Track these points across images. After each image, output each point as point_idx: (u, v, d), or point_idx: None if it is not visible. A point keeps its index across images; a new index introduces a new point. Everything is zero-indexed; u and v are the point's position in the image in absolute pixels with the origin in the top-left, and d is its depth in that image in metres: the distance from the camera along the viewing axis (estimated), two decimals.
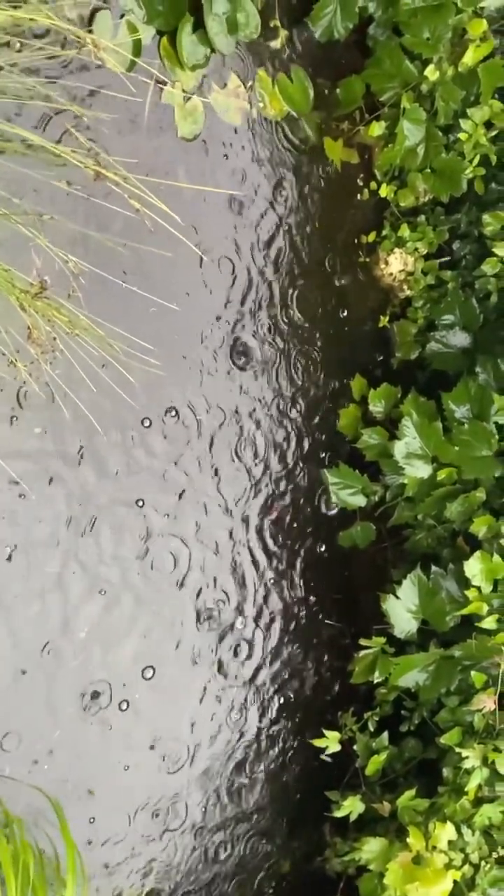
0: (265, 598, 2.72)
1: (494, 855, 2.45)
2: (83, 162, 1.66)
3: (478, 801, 2.42)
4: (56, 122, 2.05)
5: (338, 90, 2.84)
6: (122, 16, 2.20)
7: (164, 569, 2.42)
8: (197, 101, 2.40)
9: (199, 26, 2.32)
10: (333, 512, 2.92)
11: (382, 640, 2.67)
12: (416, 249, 3.07)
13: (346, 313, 3.01)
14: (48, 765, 2.14)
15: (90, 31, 2.12)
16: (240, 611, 2.63)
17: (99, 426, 2.13)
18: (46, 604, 2.14)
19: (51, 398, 2.05)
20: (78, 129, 2.03)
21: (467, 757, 2.38)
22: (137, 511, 2.34)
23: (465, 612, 2.48)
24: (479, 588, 2.47)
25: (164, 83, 2.30)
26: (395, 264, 3.10)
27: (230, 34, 2.40)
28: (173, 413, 2.41)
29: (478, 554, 2.48)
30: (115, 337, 1.85)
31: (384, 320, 3.12)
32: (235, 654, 2.63)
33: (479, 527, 2.60)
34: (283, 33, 2.65)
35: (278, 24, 2.61)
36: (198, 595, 2.51)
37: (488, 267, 2.85)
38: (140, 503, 2.35)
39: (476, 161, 2.88)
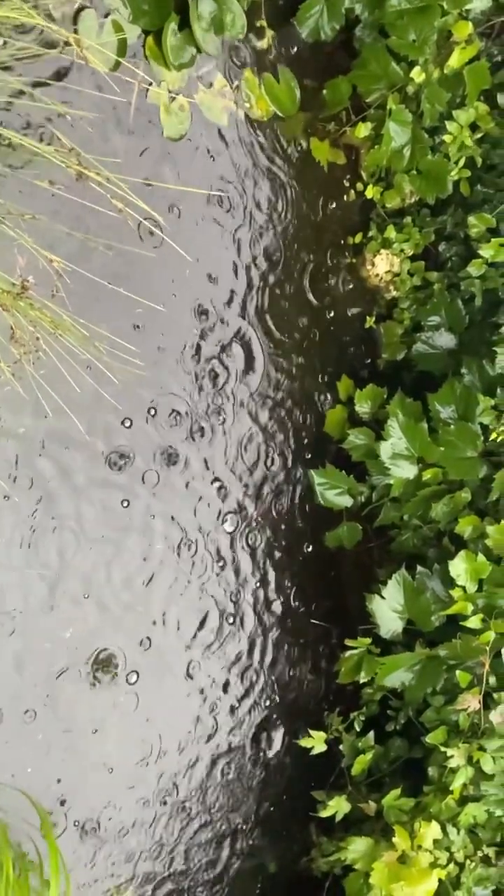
0: (251, 599, 2.71)
1: (479, 853, 2.46)
2: (66, 161, 1.65)
3: (463, 800, 2.43)
4: (39, 121, 2.04)
5: (324, 91, 2.84)
6: (107, 15, 2.19)
7: (148, 571, 2.41)
8: (183, 101, 2.40)
9: (185, 26, 2.32)
10: (320, 512, 2.92)
11: (368, 640, 2.67)
12: (402, 251, 3.08)
13: (332, 314, 3.02)
14: (31, 767, 2.13)
15: (75, 31, 2.11)
16: (226, 612, 2.63)
17: (81, 425, 2.12)
18: (25, 609, 2.14)
19: (34, 398, 2.04)
20: (61, 129, 2.02)
21: (452, 756, 2.39)
22: (122, 511, 2.33)
23: (450, 611, 2.49)
24: (463, 588, 2.48)
25: (150, 83, 2.30)
26: (382, 265, 3.11)
27: (216, 34, 2.40)
28: (154, 412, 2.40)
29: (462, 554, 2.49)
30: (99, 338, 1.84)
31: (370, 321, 3.13)
32: (220, 655, 2.63)
33: (465, 527, 2.61)
34: (270, 34, 2.65)
35: (265, 24, 2.61)
36: (181, 594, 2.50)
37: (474, 268, 2.86)
38: (125, 503, 2.34)
39: (461, 163, 2.90)
